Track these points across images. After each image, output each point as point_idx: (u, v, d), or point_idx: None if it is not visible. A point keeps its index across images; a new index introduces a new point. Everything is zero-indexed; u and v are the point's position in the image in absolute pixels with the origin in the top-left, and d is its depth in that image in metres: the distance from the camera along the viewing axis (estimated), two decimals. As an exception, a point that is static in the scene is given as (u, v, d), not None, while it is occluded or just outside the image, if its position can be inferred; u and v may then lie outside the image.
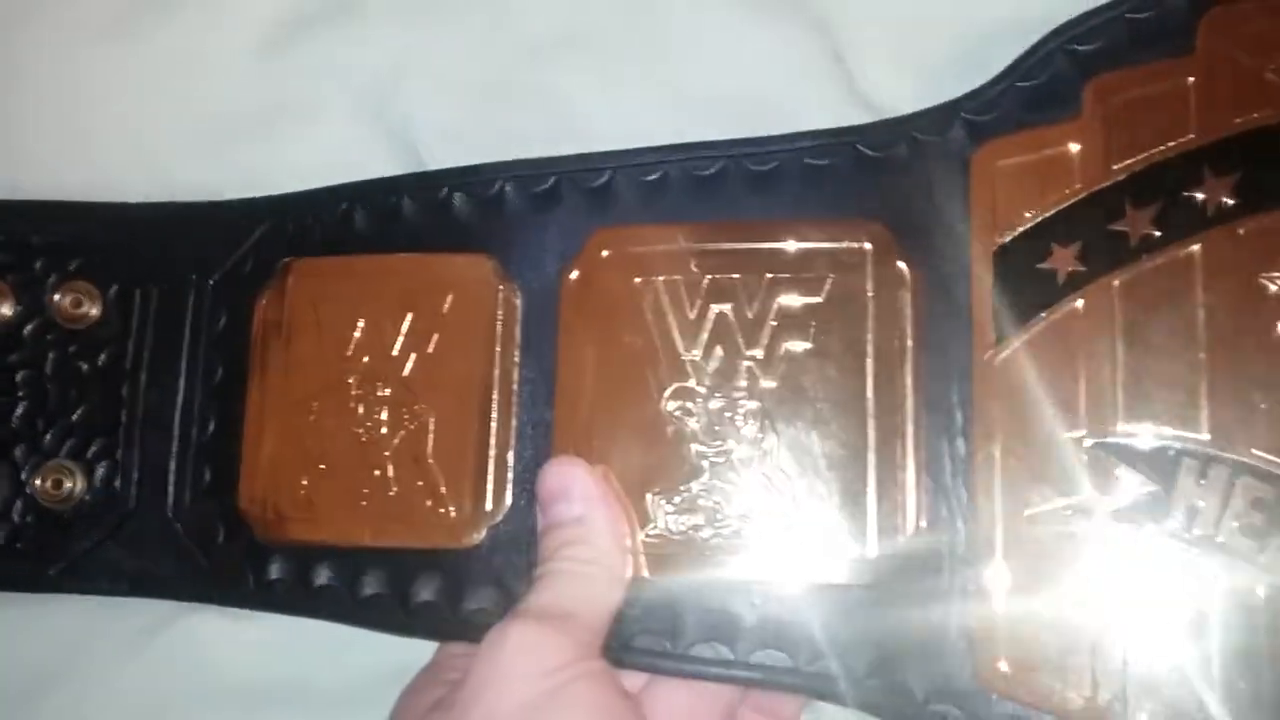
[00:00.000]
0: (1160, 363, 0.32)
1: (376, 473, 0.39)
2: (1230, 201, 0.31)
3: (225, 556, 0.39)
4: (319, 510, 0.38)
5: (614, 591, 0.34)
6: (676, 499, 0.36)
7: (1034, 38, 0.35)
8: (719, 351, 0.37)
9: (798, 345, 0.36)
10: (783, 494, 0.36)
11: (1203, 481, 0.30)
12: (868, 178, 0.37)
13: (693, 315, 0.37)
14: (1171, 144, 0.33)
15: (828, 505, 0.35)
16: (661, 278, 0.37)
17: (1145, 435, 0.31)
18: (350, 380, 0.39)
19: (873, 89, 0.39)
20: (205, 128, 0.43)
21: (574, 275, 0.38)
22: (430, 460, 0.39)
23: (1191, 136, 0.32)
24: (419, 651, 0.37)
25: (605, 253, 0.37)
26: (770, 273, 0.37)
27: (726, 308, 0.37)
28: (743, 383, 0.36)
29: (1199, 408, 0.31)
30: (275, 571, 0.38)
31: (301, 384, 0.39)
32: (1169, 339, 0.32)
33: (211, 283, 0.41)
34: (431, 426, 0.39)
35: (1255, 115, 0.32)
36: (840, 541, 0.35)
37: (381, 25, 0.43)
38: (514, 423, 0.38)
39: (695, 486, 0.36)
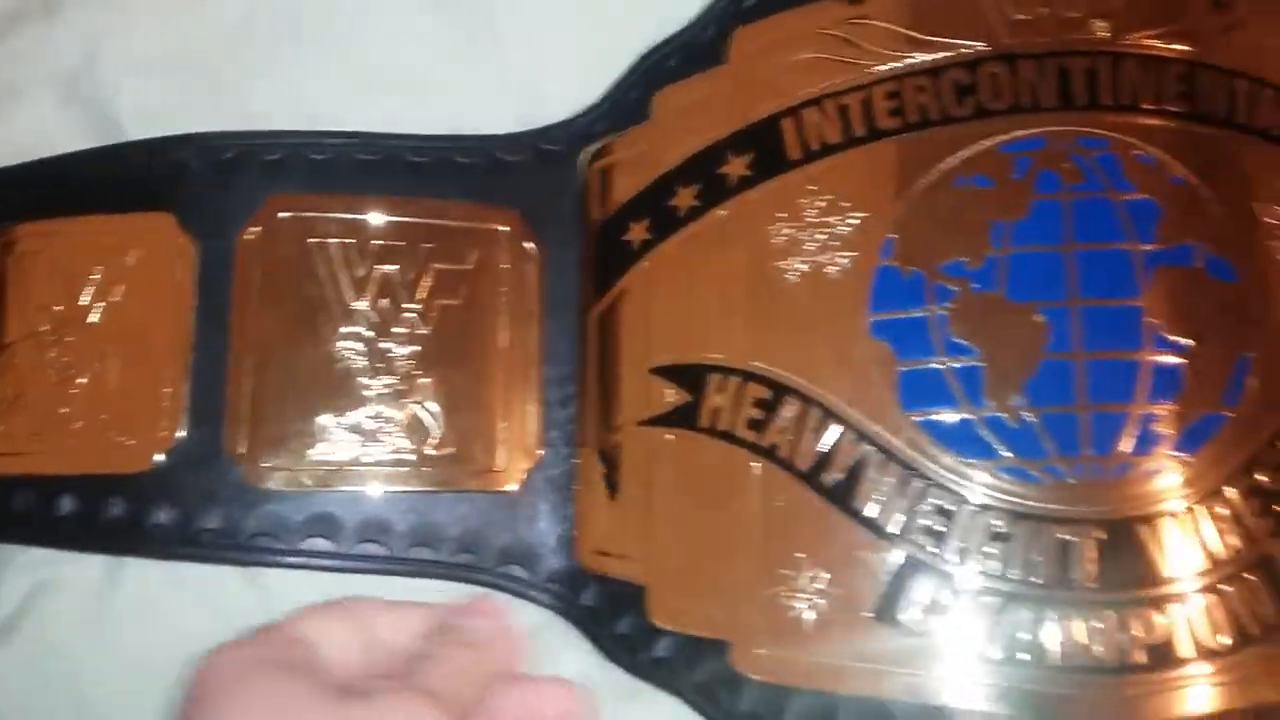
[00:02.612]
0: (695, 301, 0.48)
1: (64, 409, 0.48)
2: (748, 174, 0.48)
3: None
4: (16, 444, 0.48)
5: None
6: (344, 424, 0.49)
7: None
8: (384, 303, 0.50)
9: (449, 302, 0.51)
10: (434, 420, 0.49)
11: (721, 390, 0.47)
12: (504, 176, 0.52)
13: (361, 273, 0.50)
14: (710, 135, 0.49)
15: (468, 432, 0.50)
16: (335, 240, 0.50)
17: (688, 359, 0.47)
18: (44, 328, 0.49)
19: (528, 77, 0.53)
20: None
21: (251, 234, 0.50)
22: (113, 396, 0.49)
23: (723, 127, 0.48)
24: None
25: (283, 215, 0.50)
26: (427, 243, 0.51)
27: (392, 268, 0.50)
28: (404, 330, 0.50)
29: (722, 332, 0.47)
30: (-23, 502, 0.47)
31: (2, 333, 0.48)
32: (710, 286, 0.48)
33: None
34: (116, 367, 0.49)
35: (767, 106, 0.47)
36: (477, 459, 0.49)
37: (79, 13, 0.53)
38: (190, 361, 0.49)
39: (360, 414, 0.49)
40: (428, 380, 0.49)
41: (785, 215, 0.47)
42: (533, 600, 0.48)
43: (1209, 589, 0.42)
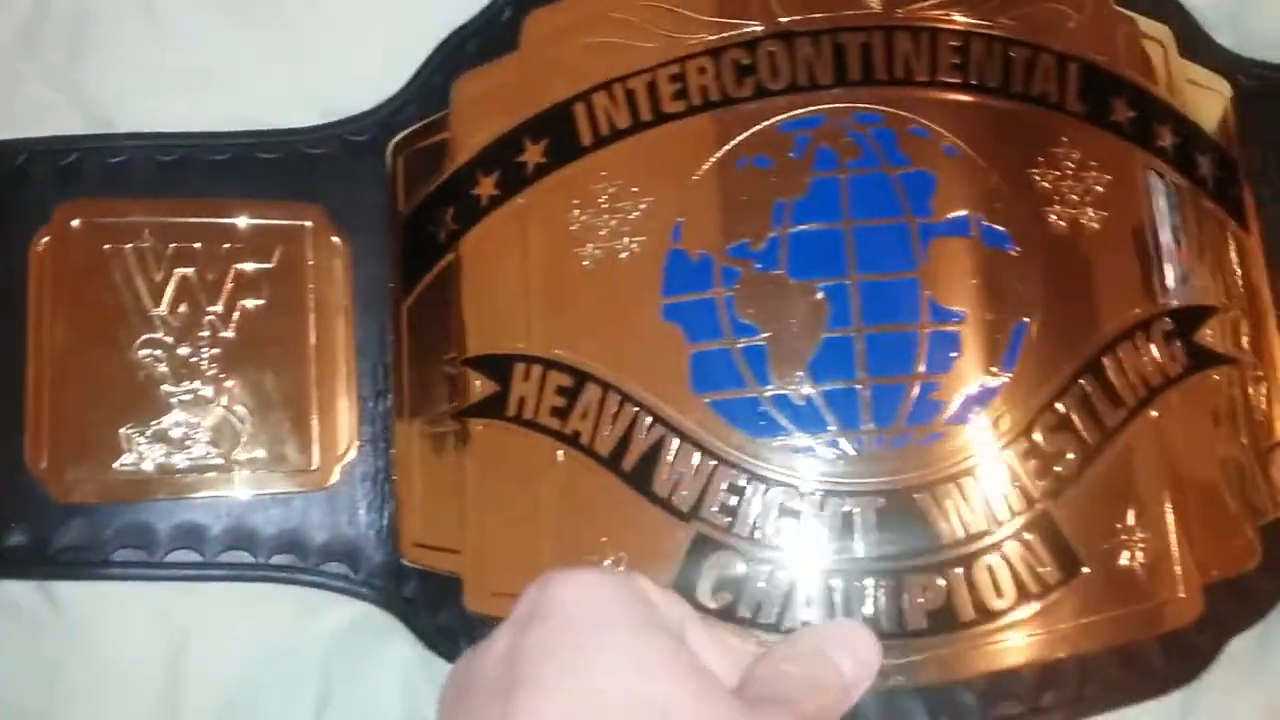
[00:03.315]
0: (499, 291, 0.49)
1: None
2: (543, 161, 0.48)
3: None
4: None
5: None
6: (148, 432, 0.49)
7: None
8: (183, 308, 0.50)
9: (252, 302, 0.51)
10: (243, 424, 0.50)
11: (526, 379, 0.48)
12: (308, 169, 0.53)
13: (159, 277, 0.50)
14: (508, 121, 0.49)
15: (280, 432, 0.50)
16: (130, 245, 0.50)
17: (494, 349, 0.49)
18: None
19: (330, 66, 0.53)
20: None
21: (43, 244, 0.50)
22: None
23: (520, 113, 0.49)
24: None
25: (75, 223, 0.50)
26: (228, 243, 0.51)
27: (190, 271, 0.51)
28: (205, 333, 0.50)
29: (524, 321, 0.48)
30: None
31: None
32: (512, 275, 0.48)
33: None
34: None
35: (560, 91, 0.48)
36: (290, 459, 0.50)
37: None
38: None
39: (165, 421, 0.50)
40: (234, 383, 0.50)
41: (580, 201, 0.48)
42: (355, 595, 0.50)
43: (989, 551, 0.44)
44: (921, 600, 0.43)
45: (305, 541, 0.50)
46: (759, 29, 0.48)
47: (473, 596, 0.48)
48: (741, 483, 0.45)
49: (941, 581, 0.44)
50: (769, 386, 0.45)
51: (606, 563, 0.46)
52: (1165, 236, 0.48)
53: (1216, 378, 0.47)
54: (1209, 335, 0.48)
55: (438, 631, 0.49)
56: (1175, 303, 0.47)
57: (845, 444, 0.44)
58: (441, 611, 0.49)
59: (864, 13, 0.47)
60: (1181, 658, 0.46)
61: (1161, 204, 0.48)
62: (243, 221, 0.52)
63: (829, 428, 0.44)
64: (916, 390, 0.44)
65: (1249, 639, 0.47)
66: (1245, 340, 0.49)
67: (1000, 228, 0.46)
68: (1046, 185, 0.46)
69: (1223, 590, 0.46)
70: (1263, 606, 0.47)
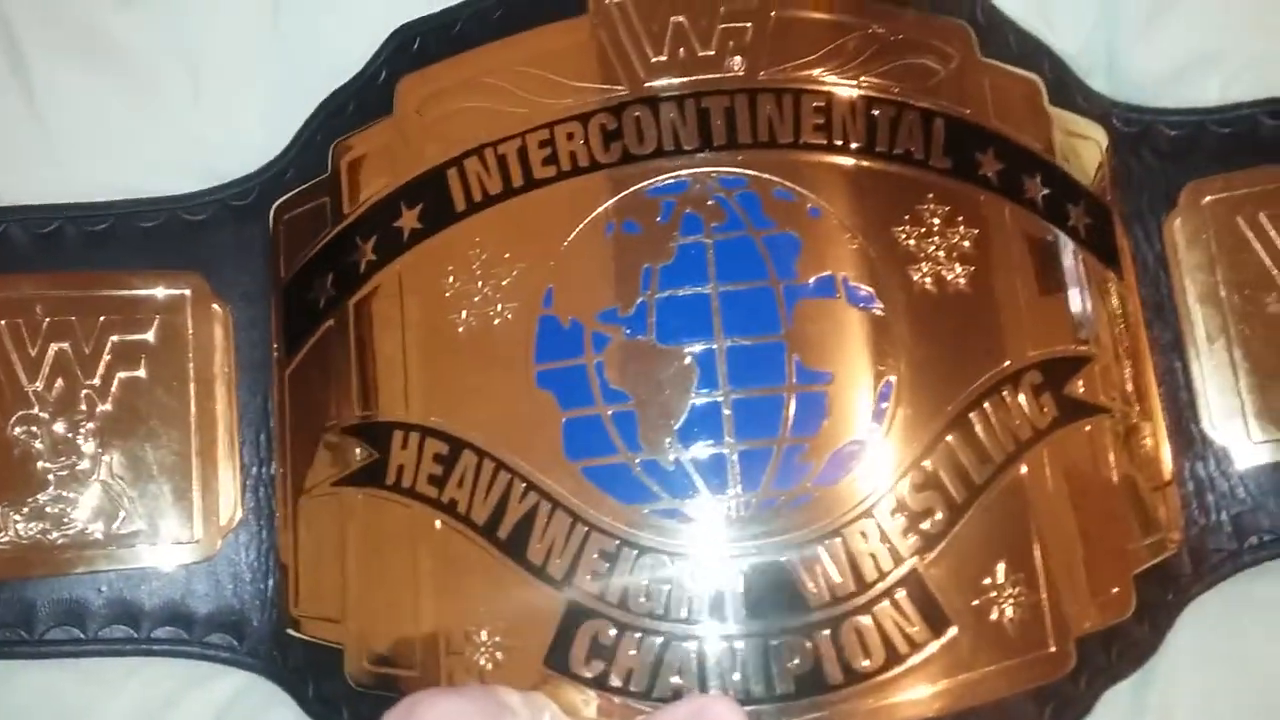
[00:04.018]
0: (378, 357, 0.49)
1: None
2: (419, 226, 0.49)
3: None
4: None
5: None
6: (25, 509, 0.49)
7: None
8: (59, 383, 0.51)
9: (131, 374, 0.51)
10: (121, 497, 0.50)
11: (405, 447, 0.49)
12: (189, 236, 0.53)
13: (34, 353, 0.51)
14: (384, 186, 0.50)
15: (161, 504, 0.51)
16: (3, 321, 0.50)
17: (374, 416, 0.49)
18: None
19: (210, 129, 0.54)
20: None
21: (-86, 324, 0.50)
22: None
23: (395, 178, 0.49)
24: None
25: (-54, 303, 0.50)
26: (105, 314, 0.52)
27: (65, 345, 0.51)
28: (83, 407, 0.51)
29: (403, 388, 0.48)
30: None
31: None
32: (390, 342, 0.49)
33: None
34: None
35: (433, 156, 0.48)
36: (173, 530, 0.50)
37: None
38: None
39: (42, 497, 0.50)
40: (112, 456, 0.50)
41: (454, 267, 0.49)
42: (240, 666, 0.50)
43: (858, 612, 0.45)
44: (791, 664, 0.44)
45: (189, 613, 0.50)
46: (624, 93, 0.48)
47: (355, 669, 0.48)
48: (612, 550, 0.45)
49: (809, 644, 0.44)
50: (640, 453, 0.46)
51: (483, 633, 0.46)
52: (1035, 288, 0.49)
53: (1089, 428, 0.48)
54: (1080, 386, 0.48)
55: (321, 701, 0.49)
56: (1045, 355, 0.48)
57: (715, 509, 0.45)
58: (325, 681, 0.49)
59: (728, 76, 0.48)
60: (1057, 710, 0.46)
61: (1032, 256, 0.49)
62: (120, 292, 0.52)
63: (698, 493, 0.45)
64: (783, 453, 0.45)
65: (1125, 687, 0.48)
66: (1129, 384, 0.50)
67: (865, 288, 0.46)
68: (911, 244, 0.47)
69: (1098, 641, 0.47)
70: (1139, 655, 0.48)
